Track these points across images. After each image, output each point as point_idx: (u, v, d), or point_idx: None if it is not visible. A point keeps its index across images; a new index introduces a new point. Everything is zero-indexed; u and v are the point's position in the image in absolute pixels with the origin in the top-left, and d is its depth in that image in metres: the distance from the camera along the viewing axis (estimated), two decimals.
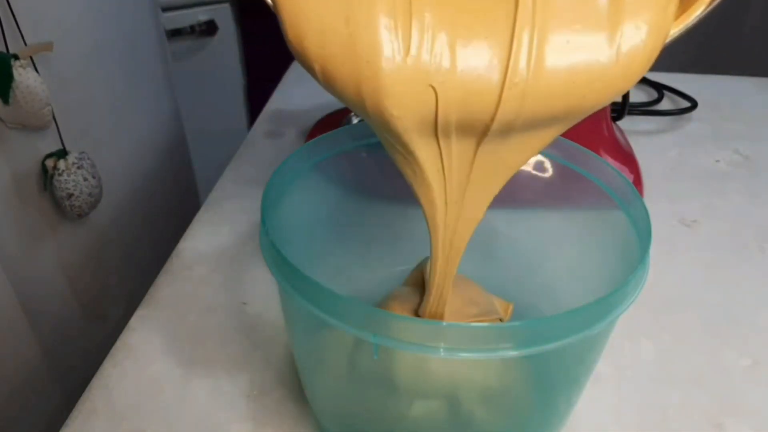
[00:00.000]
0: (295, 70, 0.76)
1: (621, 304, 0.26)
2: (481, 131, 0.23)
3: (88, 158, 0.52)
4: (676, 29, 0.23)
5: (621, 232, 0.30)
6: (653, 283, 0.33)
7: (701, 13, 0.22)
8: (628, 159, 0.54)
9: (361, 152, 0.36)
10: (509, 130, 0.23)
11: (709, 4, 0.22)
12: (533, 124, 0.23)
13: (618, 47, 0.22)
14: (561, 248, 0.34)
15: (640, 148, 0.58)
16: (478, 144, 0.24)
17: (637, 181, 0.53)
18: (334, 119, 0.59)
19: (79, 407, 0.37)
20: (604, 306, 0.25)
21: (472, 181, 0.26)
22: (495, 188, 0.26)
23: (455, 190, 0.26)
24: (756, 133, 0.65)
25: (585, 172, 0.33)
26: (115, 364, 0.39)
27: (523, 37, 0.21)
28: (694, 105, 0.67)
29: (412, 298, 0.33)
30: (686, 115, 0.67)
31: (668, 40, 0.23)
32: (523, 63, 0.21)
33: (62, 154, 0.50)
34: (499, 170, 0.26)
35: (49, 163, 0.50)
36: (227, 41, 1.02)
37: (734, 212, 0.53)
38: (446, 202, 0.26)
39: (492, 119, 0.23)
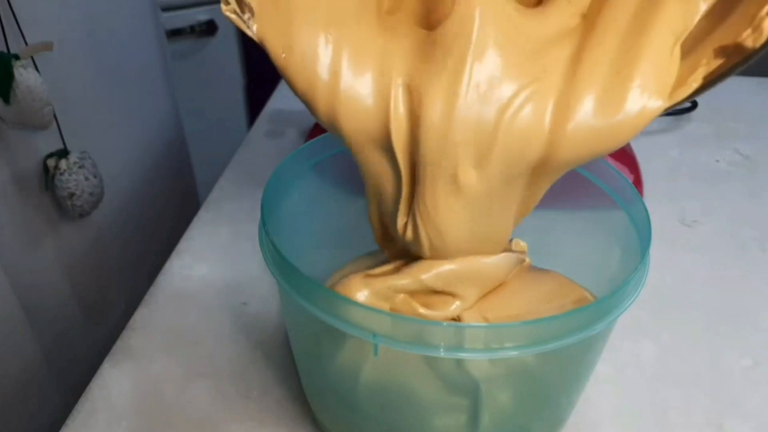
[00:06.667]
0: None
1: (621, 304, 0.26)
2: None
3: (90, 158, 0.52)
4: (667, 102, 0.23)
5: (621, 232, 0.30)
6: (653, 283, 0.33)
7: (689, 96, 0.23)
8: (628, 159, 0.54)
9: None
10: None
11: (695, 92, 0.22)
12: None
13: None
14: (561, 248, 0.34)
15: (640, 148, 0.58)
16: None
17: (637, 181, 0.53)
18: None
19: (79, 407, 0.37)
20: (604, 306, 0.25)
21: None
22: None
23: None
24: (756, 133, 0.65)
25: (585, 172, 0.33)
26: (115, 364, 0.39)
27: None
28: (694, 105, 0.67)
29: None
30: (686, 115, 0.67)
31: (660, 112, 0.23)
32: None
33: (63, 153, 0.50)
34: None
35: (51, 162, 0.50)
36: (227, 41, 1.02)
37: (734, 212, 0.53)
38: None
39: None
